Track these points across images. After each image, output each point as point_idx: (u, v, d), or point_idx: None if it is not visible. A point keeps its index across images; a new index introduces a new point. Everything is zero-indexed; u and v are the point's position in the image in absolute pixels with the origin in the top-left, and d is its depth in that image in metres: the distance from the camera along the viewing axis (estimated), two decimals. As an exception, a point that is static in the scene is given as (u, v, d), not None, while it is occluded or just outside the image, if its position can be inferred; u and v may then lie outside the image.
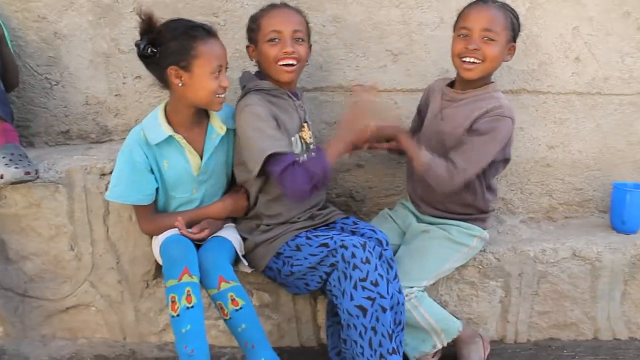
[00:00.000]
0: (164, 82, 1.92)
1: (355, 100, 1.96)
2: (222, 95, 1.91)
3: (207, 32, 1.88)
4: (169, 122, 1.95)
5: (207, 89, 1.87)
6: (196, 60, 1.84)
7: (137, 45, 1.86)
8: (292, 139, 2.02)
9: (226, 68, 1.93)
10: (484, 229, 2.21)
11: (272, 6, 2.04)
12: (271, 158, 1.87)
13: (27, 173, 1.94)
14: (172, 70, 1.86)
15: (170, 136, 1.93)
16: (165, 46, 1.84)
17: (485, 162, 2.03)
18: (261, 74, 2.06)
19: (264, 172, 1.92)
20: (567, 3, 2.47)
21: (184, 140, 1.96)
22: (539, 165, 2.59)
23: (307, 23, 2.07)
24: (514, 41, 2.09)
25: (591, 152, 2.60)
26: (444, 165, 1.98)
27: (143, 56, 1.87)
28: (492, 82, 2.14)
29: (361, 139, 2.00)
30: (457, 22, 2.11)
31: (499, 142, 2.02)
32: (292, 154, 1.92)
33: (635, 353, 2.29)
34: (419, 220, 2.26)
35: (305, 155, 2.04)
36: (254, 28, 2.02)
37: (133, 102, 2.41)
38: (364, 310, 1.78)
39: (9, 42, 2.17)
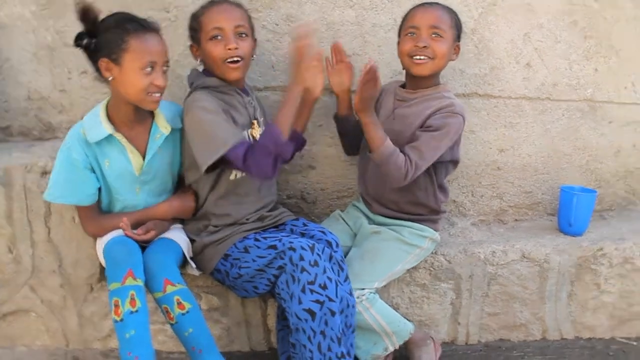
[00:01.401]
0: (102, 76, 1.85)
1: (295, 45, 1.87)
2: (156, 95, 1.83)
3: (142, 26, 1.80)
4: (111, 120, 1.89)
5: (136, 86, 1.80)
6: (126, 54, 1.77)
7: (75, 35, 1.80)
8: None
9: (166, 66, 1.85)
10: (435, 230, 2.22)
11: (213, 3, 1.98)
12: (227, 152, 1.82)
13: None
14: (103, 63, 1.80)
15: (111, 135, 1.87)
16: (100, 37, 1.79)
17: (436, 157, 2.03)
18: (208, 72, 2.02)
19: (214, 167, 1.87)
20: (518, 9, 2.50)
21: (125, 140, 1.89)
22: (489, 169, 2.62)
23: (249, 17, 2.03)
24: (459, 40, 2.13)
25: (540, 156, 2.65)
26: (403, 157, 1.98)
27: (79, 46, 1.80)
28: (442, 83, 2.17)
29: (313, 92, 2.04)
30: (403, 23, 2.13)
31: (450, 138, 2.04)
32: (245, 142, 1.87)
33: (581, 352, 2.34)
34: (371, 221, 2.26)
35: None
36: (195, 27, 1.98)
37: (78, 98, 2.32)
38: (312, 313, 1.75)
39: None
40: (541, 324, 2.39)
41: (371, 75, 1.91)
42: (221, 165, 1.89)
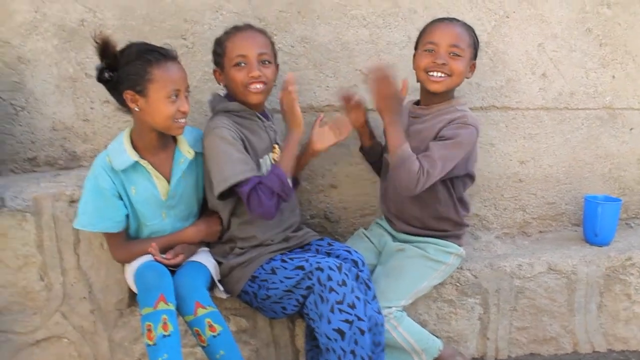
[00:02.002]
0: (125, 106, 1.89)
1: (284, 92, 1.96)
2: (182, 120, 1.88)
3: (163, 55, 1.84)
4: (135, 147, 1.92)
5: (163, 114, 1.84)
6: (151, 85, 1.81)
7: (96, 69, 1.84)
8: (261, 160, 2.01)
9: (187, 92, 1.89)
10: (459, 245, 2.21)
11: (237, 29, 2.02)
12: (237, 184, 1.87)
13: None
14: (128, 95, 1.84)
15: (136, 162, 1.90)
16: (121, 70, 1.82)
17: (449, 168, 2.01)
18: (230, 97, 2.05)
19: (227, 195, 1.91)
20: (531, 20, 2.52)
21: (150, 166, 1.93)
22: (511, 181, 2.61)
23: (273, 43, 2.06)
24: (475, 59, 2.14)
25: (561, 166, 2.64)
26: (417, 165, 1.97)
27: (101, 81, 1.85)
28: (456, 97, 2.18)
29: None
30: (421, 37, 2.14)
31: (462, 148, 2.03)
32: (256, 177, 1.90)
33: (614, 365, 2.31)
34: (395, 239, 2.26)
35: None
36: (219, 52, 2.01)
37: (101, 127, 2.37)
38: (342, 333, 1.75)
39: None
40: (572, 337, 2.36)
41: (380, 72, 1.92)
42: (233, 196, 1.93)
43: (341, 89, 2.26)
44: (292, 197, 1.99)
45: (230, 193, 1.91)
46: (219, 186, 1.88)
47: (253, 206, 1.87)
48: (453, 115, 2.07)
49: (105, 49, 1.81)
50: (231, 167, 1.88)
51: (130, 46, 1.86)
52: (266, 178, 1.90)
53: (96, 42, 1.81)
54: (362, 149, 2.32)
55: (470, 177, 2.20)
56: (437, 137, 2.05)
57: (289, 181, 1.92)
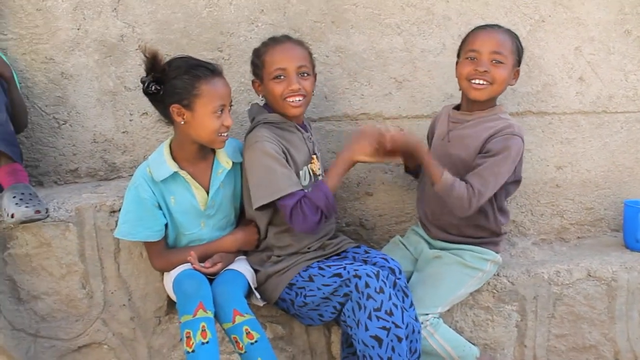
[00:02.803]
0: (168, 119, 1.94)
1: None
2: (225, 134, 1.92)
3: (210, 71, 1.89)
4: (174, 158, 1.97)
5: (209, 128, 1.88)
6: (198, 99, 1.86)
7: (142, 82, 1.90)
8: (301, 172, 2.03)
9: (230, 106, 1.94)
10: (496, 252, 2.19)
11: (275, 40, 2.04)
12: (280, 198, 1.90)
13: (38, 212, 1.94)
14: (174, 109, 1.88)
15: (176, 172, 1.94)
16: (169, 84, 1.87)
17: (501, 183, 2.02)
18: (269, 107, 2.08)
19: (266, 206, 1.93)
20: (568, 24, 2.49)
21: (189, 176, 1.97)
22: (548, 186, 2.58)
23: (311, 54, 2.08)
24: (519, 65, 2.12)
25: (600, 170, 2.60)
26: (464, 187, 1.98)
27: (147, 93, 1.90)
28: (498, 104, 2.16)
29: (364, 152, 1.93)
30: (463, 45, 2.13)
31: (511, 161, 2.03)
32: (300, 191, 1.93)
33: (658, 374, 2.26)
34: (431, 246, 2.25)
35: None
36: (258, 64, 2.04)
37: (140, 138, 2.42)
38: (379, 340, 1.76)
39: (17, 84, 2.19)
40: (612, 345, 2.32)
41: (389, 145, 1.92)
42: (273, 206, 1.96)
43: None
44: (335, 215, 2.00)
45: (269, 204, 1.93)
46: (262, 199, 1.91)
47: (296, 220, 1.89)
48: (498, 124, 2.06)
49: (153, 62, 1.87)
50: (276, 182, 1.90)
51: (178, 60, 1.92)
52: (311, 193, 1.92)
53: (145, 56, 1.87)
54: (407, 170, 2.32)
55: (517, 182, 2.19)
56: (483, 149, 2.05)
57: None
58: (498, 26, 2.11)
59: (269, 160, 1.92)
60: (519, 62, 2.12)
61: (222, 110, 1.88)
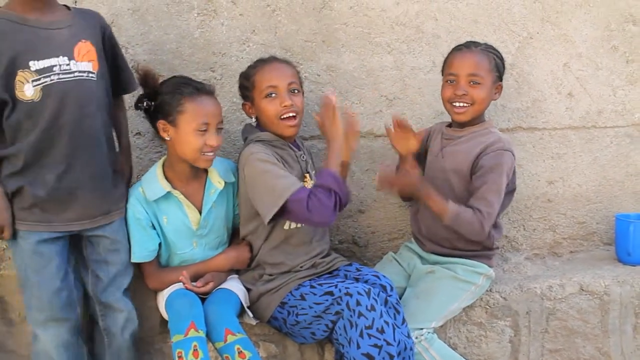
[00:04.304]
0: (159, 136, 1.98)
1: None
2: (210, 154, 1.93)
3: (196, 89, 1.92)
4: (167, 178, 1.99)
5: (191, 145, 1.90)
6: (181, 116, 1.89)
7: (137, 98, 1.96)
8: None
9: (220, 127, 1.95)
10: (489, 266, 2.20)
11: (263, 61, 2.08)
12: (289, 197, 1.88)
13: None
14: (160, 124, 1.93)
15: (169, 192, 1.96)
16: (159, 100, 1.92)
17: (502, 198, 2.08)
18: (261, 128, 2.09)
19: (276, 216, 1.92)
20: (556, 41, 2.52)
21: (182, 196, 1.98)
22: (540, 201, 2.60)
23: (298, 72, 2.12)
24: (501, 80, 2.16)
25: (591, 185, 2.62)
26: (470, 212, 2.03)
27: (139, 109, 1.95)
28: (487, 119, 2.21)
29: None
30: (444, 67, 2.19)
31: (506, 175, 2.08)
32: (305, 187, 1.93)
33: (652, 388, 2.26)
34: (424, 261, 2.26)
35: None
36: (247, 86, 2.06)
37: (134, 158, 2.41)
38: (371, 358, 1.76)
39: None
40: (607, 359, 2.32)
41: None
42: (284, 216, 1.93)
43: (398, 116, 2.20)
44: (348, 198, 1.98)
45: (280, 213, 1.91)
46: (274, 205, 1.88)
47: (314, 209, 1.85)
48: (487, 139, 2.11)
49: (145, 79, 1.92)
50: (280, 183, 1.90)
51: (171, 78, 1.98)
52: (318, 180, 1.93)
53: (138, 74, 1.92)
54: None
55: (512, 192, 2.22)
56: (476, 164, 2.09)
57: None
58: (475, 44, 2.15)
59: (268, 166, 1.93)
60: (500, 77, 2.16)
61: (205, 129, 1.90)
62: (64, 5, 1.87)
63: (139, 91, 2.01)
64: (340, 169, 1.98)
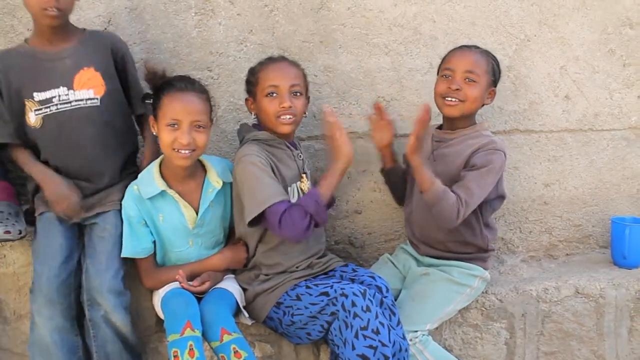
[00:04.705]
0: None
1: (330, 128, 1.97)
2: (184, 152, 1.90)
3: (173, 86, 1.92)
4: (164, 177, 1.99)
5: (163, 141, 1.92)
6: (159, 112, 1.92)
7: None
8: (289, 188, 2.04)
9: (197, 126, 1.92)
10: (485, 269, 2.20)
11: (271, 60, 2.08)
12: (267, 208, 1.90)
13: (7, 232, 1.94)
14: (150, 120, 1.97)
15: (164, 190, 1.96)
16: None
17: (484, 195, 2.05)
18: (259, 126, 2.10)
19: (257, 222, 1.94)
20: (553, 44, 2.53)
21: (177, 195, 1.98)
22: (536, 204, 2.60)
23: (305, 76, 2.11)
24: (495, 86, 2.16)
25: (587, 188, 2.62)
26: (454, 197, 2.00)
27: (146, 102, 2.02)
28: (478, 122, 2.20)
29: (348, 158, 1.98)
30: (440, 64, 2.19)
31: (495, 174, 2.06)
32: (287, 201, 1.94)
33: (647, 391, 2.26)
34: (419, 263, 2.26)
35: None
36: (252, 81, 2.07)
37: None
38: (366, 359, 1.76)
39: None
40: (602, 361, 2.33)
41: (429, 115, 1.95)
42: (262, 222, 1.95)
43: (377, 102, 2.27)
44: (325, 221, 1.99)
45: (260, 219, 1.93)
46: (253, 211, 1.91)
47: (285, 226, 1.88)
48: (480, 140, 2.10)
49: (149, 76, 1.95)
50: (264, 191, 1.91)
51: (173, 77, 2.00)
52: (302, 199, 1.95)
53: (146, 70, 1.96)
54: (383, 170, 2.34)
55: (500, 198, 2.21)
56: (467, 164, 2.08)
57: (324, 204, 1.95)
58: (476, 47, 2.16)
59: (256, 171, 1.93)
60: (494, 83, 2.16)
61: (176, 125, 1.89)
62: (82, 29, 2.06)
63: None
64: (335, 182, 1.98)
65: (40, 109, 1.95)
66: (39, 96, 1.94)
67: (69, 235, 1.99)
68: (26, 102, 1.95)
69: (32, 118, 1.96)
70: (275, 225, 1.90)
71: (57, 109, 1.96)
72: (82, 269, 1.98)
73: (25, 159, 2.00)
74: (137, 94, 2.10)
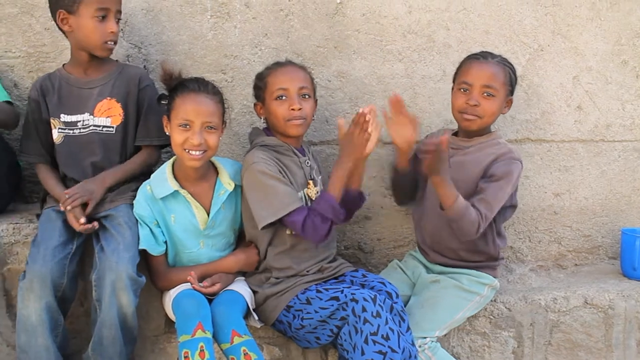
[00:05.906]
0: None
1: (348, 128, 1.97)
2: (195, 153, 1.92)
3: (190, 88, 1.94)
4: (176, 177, 2.00)
5: (174, 141, 1.94)
6: (172, 112, 1.95)
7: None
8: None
9: (210, 127, 1.93)
10: (494, 277, 2.20)
11: (278, 64, 2.10)
12: (286, 216, 1.93)
13: None
14: (164, 120, 1.99)
15: (176, 191, 1.98)
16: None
17: (500, 206, 2.07)
18: (269, 130, 2.11)
19: (270, 226, 1.95)
20: (566, 54, 2.53)
21: (189, 196, 2.00)
22: (546, 213, 2.60)
23: (312, 79, 2.13)
24: (512, 94, 2.16)
25: (598, 198, 2.62)
26: (475, 213, 2.00)
27: (160, 103, 2.03)
28: (493, 130, 2.22)
29: (360, 157, 1.97)
30: (457, 74, 2.18)
31: (513, 185, 2.08)
32: (304, 207, 1.96)
33: (655, 404, 2.25)
34: (429, 270, 2.26)
35: None
36: (260, 86, 2.08)
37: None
38: (375, 364, 1.76)
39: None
40: (610, 373, 2.32)
41: (446, 144, 1.95)
42: (278, 224, 1.98)
43: (395, 94, 2.11)
44: (342, 219, 2.02)
45: (274, 222, 1.95)
46: (268, 218, 1.93)
47: (308, 233, 1.93)
48: (498, 149, 2.11)
49: (165, 78, 1.97)
50: (279, 199, 1.93)
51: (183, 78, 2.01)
52: (318, 206, 1.95)
53: (162, 70, 1.97)
54: (395, 169, 2.23)
55: (513, 207, 2.22)
56: (486, 174, 2.08)
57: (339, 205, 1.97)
58: (492, 56, 2.14)
59: (268, 180, 1.95)
60: (511, 92, 2.16)
61: (187, 126, 1.91)
62: (115, 60, 2.20)
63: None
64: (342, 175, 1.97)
65: (64, 129, 2.10)
66: (65, 118, 2.09)
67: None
68: (52, 120, 2.10)
69: (55, 135, 2.11)
70: (298, 230, 1.95)
71: (80, 132, 2.10)
72: (95, 250, 1.98)
73: (45, 177, 2.13)
74: (144, 128, 2.14)
